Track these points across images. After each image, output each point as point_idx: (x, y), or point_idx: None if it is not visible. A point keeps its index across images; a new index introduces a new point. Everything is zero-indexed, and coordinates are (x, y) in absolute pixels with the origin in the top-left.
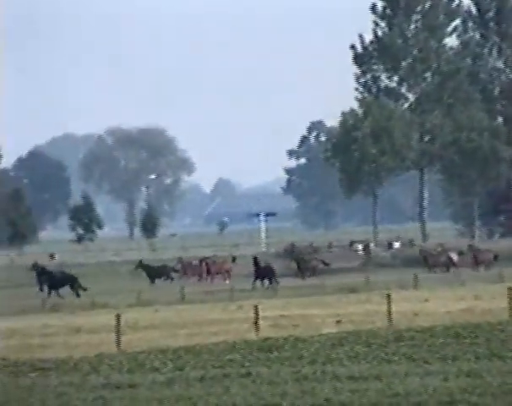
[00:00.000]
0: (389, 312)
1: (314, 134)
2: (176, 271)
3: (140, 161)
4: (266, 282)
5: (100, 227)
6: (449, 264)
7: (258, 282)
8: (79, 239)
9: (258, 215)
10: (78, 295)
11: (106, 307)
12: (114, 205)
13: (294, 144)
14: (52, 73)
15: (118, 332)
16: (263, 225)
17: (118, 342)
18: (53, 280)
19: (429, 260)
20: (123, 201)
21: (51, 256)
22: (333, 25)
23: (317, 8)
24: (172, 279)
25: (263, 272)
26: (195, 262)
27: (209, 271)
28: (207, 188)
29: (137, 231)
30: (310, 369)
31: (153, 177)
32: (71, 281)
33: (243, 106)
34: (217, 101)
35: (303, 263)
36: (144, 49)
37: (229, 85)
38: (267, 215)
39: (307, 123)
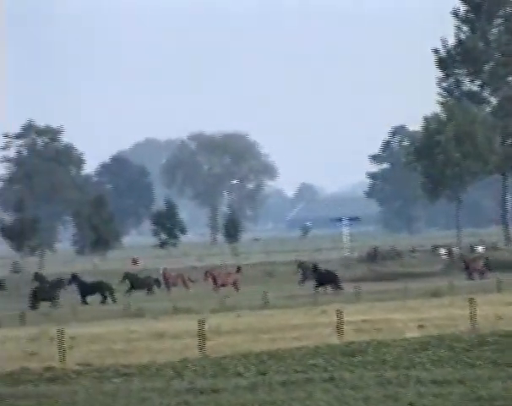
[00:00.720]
0: (473, 316)
1: (397, 138)
2: (158, 282)
3: (223, 166)
4: (328, 287)
5: (183, 232)
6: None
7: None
8: (162, 245)
9: (341, 219)
10: (103, 302)
11: (189, 312)
12: (197, 211)
13: (377, 148)
14: (134, 79)
15: (202, 337)
16: (346, 229)
17: (202, 347)
18: (84, 288)
19: (469, 266)
20: (206, 206)
21: (134, 261)
22: (414, 30)
23: (400, 11)
24: (152, 291)
25: (325, 278)
26: (174, 274)
27: (215, 282)
28: (290, 192)
29: (220, 236)
30: (393, 373)
31: (235, 182)
32: (101, 288)
33: (326, 111)
34: (300, 106)
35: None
36: (226, 55)
37: (312, 91)
38: (350, 219)
39: (389, 128)
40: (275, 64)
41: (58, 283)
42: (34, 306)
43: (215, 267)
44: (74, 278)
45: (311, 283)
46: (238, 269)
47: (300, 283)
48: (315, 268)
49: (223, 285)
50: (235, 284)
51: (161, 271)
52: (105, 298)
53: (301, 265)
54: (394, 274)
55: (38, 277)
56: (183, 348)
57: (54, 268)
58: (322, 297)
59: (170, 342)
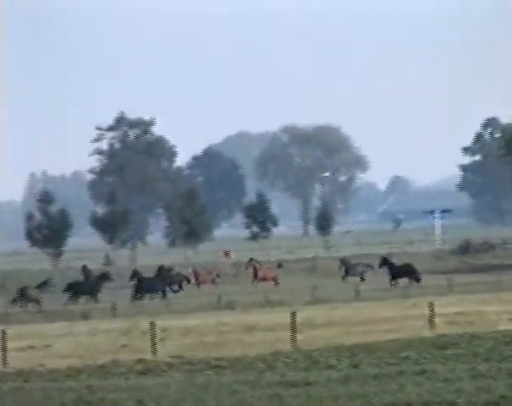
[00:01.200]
0: None
1: (489, 130)
2: (188, 280)
3: (315, 158)
4: (405, 280)
5: (274, 224)
6: None
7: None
8: (254, 237)
9: (433, 212)
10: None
11: (281, 305)
12: (289, 203)
13: (468, 141)
14: (226, 71)
15: (294, 330)
16: (438, 222)
17: (294, 340)
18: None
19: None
20: (298, 199)
21: (226, 254)
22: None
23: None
24: (181, 288)
25: (400, 271)
26: (204, 271)
27: (256, 276)
28: (381, 185)
29: (311, 228)
30: (485, 366)
31: (327, 174)
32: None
33: (416, 104)
34: (390, 99)
35: None
36: (320, 47)
37: (403, 83)
38: (442, 212)
39: (481, 120)
40: (367, 59)
41: (164, 277)
42: (135, 299)
43: (254, 262)
44: (135, 274)
45: (354, 278)
46: (279, 265)
47: (343, 279)
48: (385, 261)
49: (263, 279)
50: (275, 279)
51: (190, 270)
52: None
53: (342, 261)
54: (486, 266)
55: (135, 273)
56: (275, 341)
57: (145, 261)
58: (414, 289)
59: (261, 335)
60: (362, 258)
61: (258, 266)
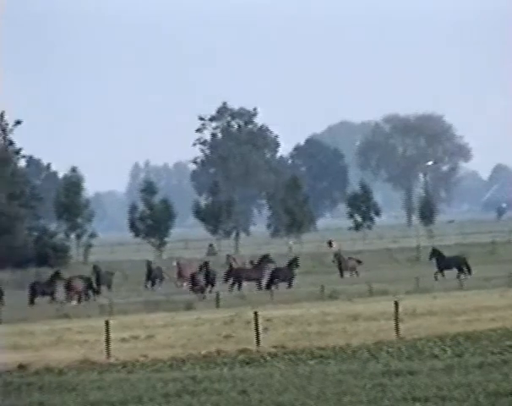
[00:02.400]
0: None
1: None
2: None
3: (418, 148)
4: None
5: (377, 214)
6: None
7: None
8: (357, 227)
9: None
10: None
11: (384, 294)
12: (391, 193)
13: None
14: (330, 60)
15: (397, 319)
16: None
17: (397, 330)
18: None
19: None
20: (401, 189)
21: (329, 244)
22: None
23: None
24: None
25: (449, 263)
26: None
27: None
28: (484, 174)
29: (415, 218)
30: None
31: (430, 164)
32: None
33: None
34: (493, 86)
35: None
36: (424, 35)
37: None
38: None
39: None
40: (470, 46)
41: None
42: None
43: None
44: (206, 265)
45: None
46: (358, 262)
47: (436, 274)
48: (435, 252)
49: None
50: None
51: (174, 263)
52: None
53: (434, 252)
54: None
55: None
56: (378, 331)
57: (249, 251)
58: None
59: (365, 325)
60: (464, 247)
61: (234, 263)
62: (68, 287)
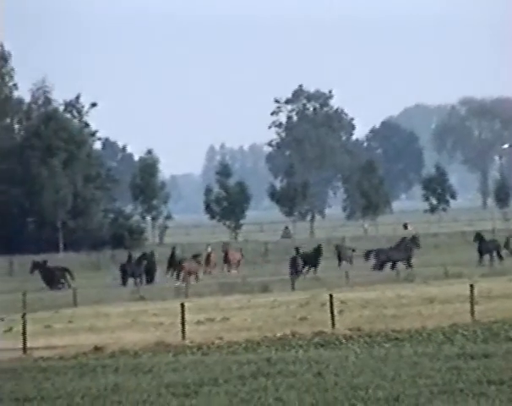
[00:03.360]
0: None
1: None
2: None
3: (493, 131)
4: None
5: (453, 197)
6: None
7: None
8: (432, 209)
9: None
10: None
11: (459, 277)
12: (467, 175)
13: None
14: (404, 43)
15: (472, 302)
16: None
17: (472, 312)
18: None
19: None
20: (476, 171)
21: (405, 226)
22: None
23: None
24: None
25: (488, 247)
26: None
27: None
28: None
29: (490, 201)
30: None
31: (506, 146)
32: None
33: None
34: None
35: None
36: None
37: None
38: None
39: None
40: None
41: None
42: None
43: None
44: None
45: None
46: (416, 243)
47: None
48: (478, 236)
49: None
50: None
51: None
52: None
53: (478, 235)
54: None
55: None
56: (453, 313)
57: (324, 233)
58: None
59: (440, 307)
60: None
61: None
62: (181, 267)
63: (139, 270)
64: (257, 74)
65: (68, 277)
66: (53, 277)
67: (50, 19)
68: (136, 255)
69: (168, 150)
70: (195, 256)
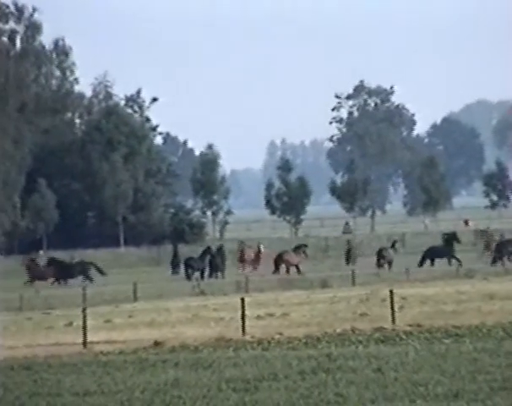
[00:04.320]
0: None
1: None
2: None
3: None
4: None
5: None
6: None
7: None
8: (493, 206)
9: None
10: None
11: None
12: None
13: None
14: (470, 36)
15: None
16: None
17: None
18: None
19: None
20: None
21: (466, 223)
22: None
23: None
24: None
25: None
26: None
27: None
28: None
29: None
30: None
31: None
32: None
33: None
34: None
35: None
36: None
37: None
38: None
39: None
40: None
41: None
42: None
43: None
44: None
45: None
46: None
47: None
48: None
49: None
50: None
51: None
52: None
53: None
54: None
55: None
56: None
57: (384, 229)
58: None
59: (500, 304)
60: None
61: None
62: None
63: (203, 264)
64: (318, 68)
65: (94, 270)
66: (69, 272)
67: (111, 14)
68: (199, 249)
69: (229, 145)
70: (297, 248)
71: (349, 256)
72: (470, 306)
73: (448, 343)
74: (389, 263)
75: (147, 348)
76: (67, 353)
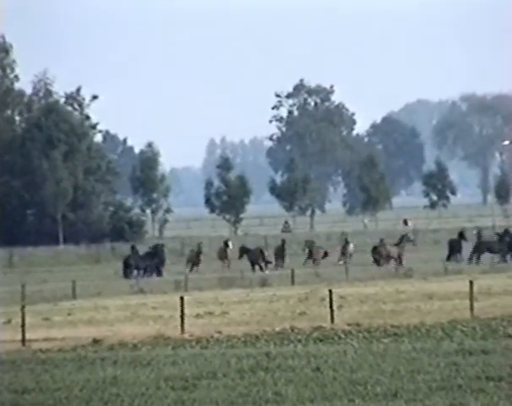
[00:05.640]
0: None
1: None
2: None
3: (495, 127)
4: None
5: (453, 193)
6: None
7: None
8: (433, 205)
9: None
10: None
11: (459, 273)
12: (467, 172)
13: None
14: (408, 38)
15: (472, 299)
16: None
17: (471, 309)
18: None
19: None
20: (477, 168)
21: (405, 222)
22: None
23: None
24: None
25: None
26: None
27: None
28: None
29: (490, 197)
30: None
31: (507, 143)
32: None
33: None
34: None
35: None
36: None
37: None
38: None
39: None
40: None
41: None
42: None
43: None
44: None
45: None
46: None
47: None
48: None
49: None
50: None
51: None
52: None
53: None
54: None
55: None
56: (452, 309)
57: (324, 228)
58: None
59: (439, 304)
60: None
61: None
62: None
63: (144, 263)
64: (258, 67)
65: None
66: None
67: (51, 11)
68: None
69: (168, 143)
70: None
71: (282, 256)
72: (409, 306)
73: (387, 343)
74: (315, 260)
75: (86, 346)
76: (5, 351)
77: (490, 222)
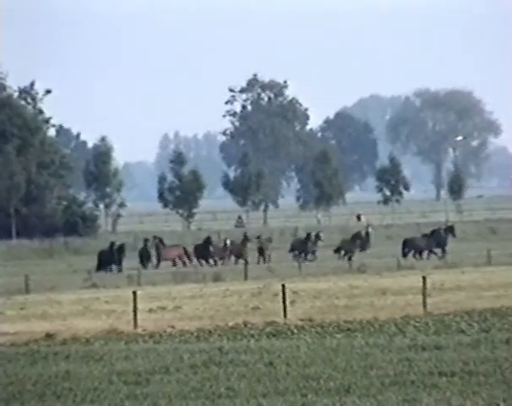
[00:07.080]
0: None
1: None
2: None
3: (448, 122)
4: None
5: (406, 188)
6: None
7: None
8: (386, 201)
9: None
10: None
11: (412, 269)
12: (421, 167)
13: None
14: (359, 34)
15: (424, 294)
16: None
17: (424, 304)
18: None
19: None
20: (430, 163)
21: (358, 218)
22: None
23: None
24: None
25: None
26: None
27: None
28: None
29: (443, 193)
30: None
31: (460, 139)
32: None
33: None
34: None
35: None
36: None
37: None
38: None
39: None
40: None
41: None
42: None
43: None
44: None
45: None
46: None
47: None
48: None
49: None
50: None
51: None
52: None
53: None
54: None
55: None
56: (406, 305)
57: (277, 223)
58: None
59: (392, 299)
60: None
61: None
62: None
63: (118, 257)
64: (211, 62)
65: None
66: None
67: (3, 5)
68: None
69: (122, 138)
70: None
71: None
72: (362, 301)
73: (340, 338)
74: (262, 253)
75: (38, 341)
76: None
77: (443, 217)
